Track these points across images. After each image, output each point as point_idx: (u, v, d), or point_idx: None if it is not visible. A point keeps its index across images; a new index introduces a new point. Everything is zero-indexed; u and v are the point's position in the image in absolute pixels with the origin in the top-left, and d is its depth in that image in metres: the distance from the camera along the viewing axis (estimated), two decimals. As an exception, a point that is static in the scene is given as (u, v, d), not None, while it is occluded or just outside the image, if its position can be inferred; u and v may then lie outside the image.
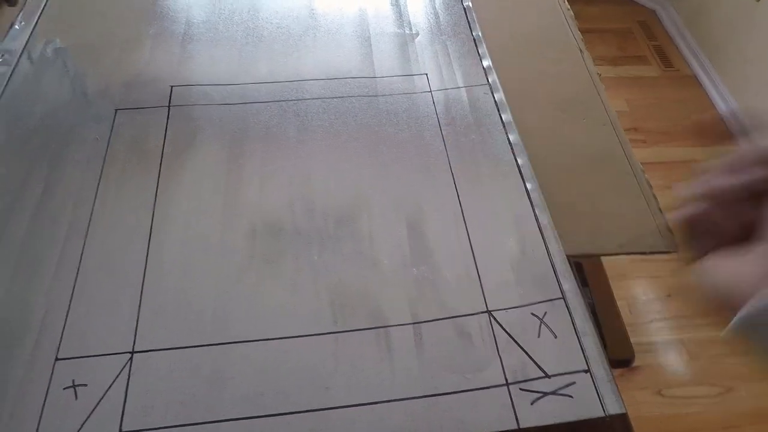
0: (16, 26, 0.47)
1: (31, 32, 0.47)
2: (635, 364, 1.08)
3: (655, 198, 0.41)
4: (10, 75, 0.44)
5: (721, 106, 1.49)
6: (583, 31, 0.52)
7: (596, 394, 0.29)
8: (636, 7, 1.81)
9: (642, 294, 1.18)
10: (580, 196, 0.40)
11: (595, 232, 0.38)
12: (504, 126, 0.43)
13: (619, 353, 0.43)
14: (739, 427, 1.00)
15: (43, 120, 0.42)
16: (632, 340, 0.47)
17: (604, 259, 0.47)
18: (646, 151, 1.38)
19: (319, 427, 0.29)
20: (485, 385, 0.30)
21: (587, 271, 0.45)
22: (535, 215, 0.37)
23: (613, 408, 0.28)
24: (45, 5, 0.50)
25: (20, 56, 0.45)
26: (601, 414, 0.28)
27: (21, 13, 0.49)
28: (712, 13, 1.52)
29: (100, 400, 0.29)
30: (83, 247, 0.35)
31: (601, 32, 1.72)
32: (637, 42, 1.71)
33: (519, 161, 0.40)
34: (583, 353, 0.30)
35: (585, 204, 0.40)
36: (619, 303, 0.48)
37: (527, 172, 0.39)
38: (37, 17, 0.49)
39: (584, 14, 1.64)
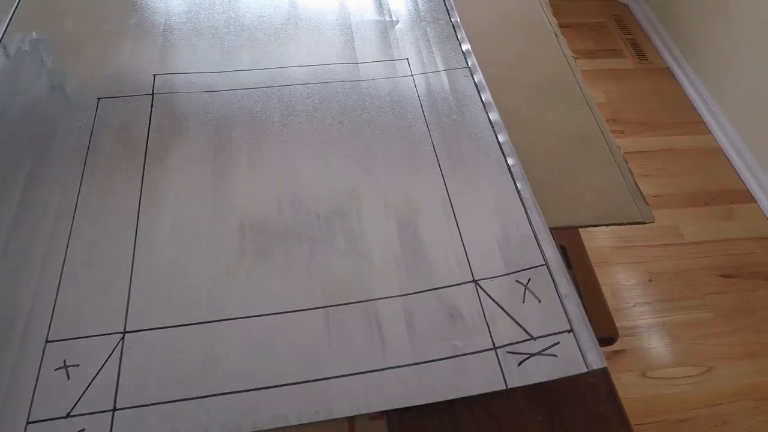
0: (-7, 18, 0.47)
1: (7, 25, 0.47)
2: (620, 347, 1.11)
3: (632, 172, 0.43)
4: (-11, 67, 0.44)
5: (695, 98, 1.54)
6: (560, 26, 0.54)
7: (579, 351, 0.30)
8: (610, 2, 1.86)
9: (624, 280, 1.21)
10: (560, 172, 0.42)
11: (575, 205, 0.40)
12: (484, 106, 0.44)
13: (603, 332, 0.44)
14: (721, 405, 1.03)
15: (24, 112, 0.41)
16: (616, 324, 0.49)
17: (587, 247, 0.48)
18: (625, 140, 1.41)
19: (314, 397, 0.29)
20: (474, 350, 0.31)
21: (571, 255, 0.47)
22: (517, 189, 0.38)
23: (596, 363, 0.29)
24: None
25: (-2, 49, 0.45)
26: (584, 370, 0.29)
27: (-3, 6, 0.48)
28: (682, 6, 1.57)
29: (92, 380, 0.29)
30: (70, 233, 0.35)
31: (577, 27, 1.76)
32: (612, 36, 1.76)
33: (500, 138, 0.41)
34: (566, 314, 0.31)
35: (564, 180, 0.41)
36: (602, 288, 0.49)
37: (508, 148, 0.41)
38: (12, 10, 0.48)
39: (561, 10, 1.67)
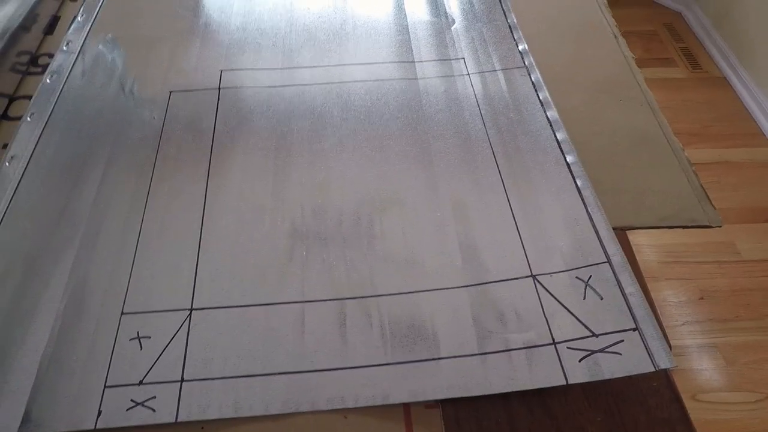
0: (78, 18, 0.51)
1: (91, 25, 0.51)
2: (668, 367, 1.06)
3: (696, 174, 0.41)
4: (74, 62, 0.47)
5: (753, 108, 1.47)
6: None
7: (646, 350, 0.29)
8: (661, 10, 1.80)
9: (673, 296, 1.16)
10: (619, 173, 0.41)
11: (636, 206, 0.39)
12: (542, 104, 0.43)
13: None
14: (780, 435, 0.96)
15: (103, 104, 0.44)
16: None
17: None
18: (676, 152, 1.36)
19: (372, 382, 0.29)
20: (533, 345, 0.30)
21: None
22: (577, 186, 0.37)
23: (664, 362, 0.28)
24: (102, 1, 0.53)
25: (82, 45, 0.49)
26: (651, 369, 0.28)
27: (82, 7, 0.52)
28: (741, 13, 1.50)
29: (162, 351, 0.30)
30: (143, 215, 0.37)
31: (626, 35, 1.71)
32: (663, 44, 1.70)
33: (558, 136, 0.41)
34: (631, 313, 0.30)
35: (624, 180, 0.40)
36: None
37: (567, 146, 0.40)
38: (96, 11, 0.52)
39: (609, 18, 1.63)
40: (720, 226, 0.38)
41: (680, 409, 0.30)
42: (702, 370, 1.03)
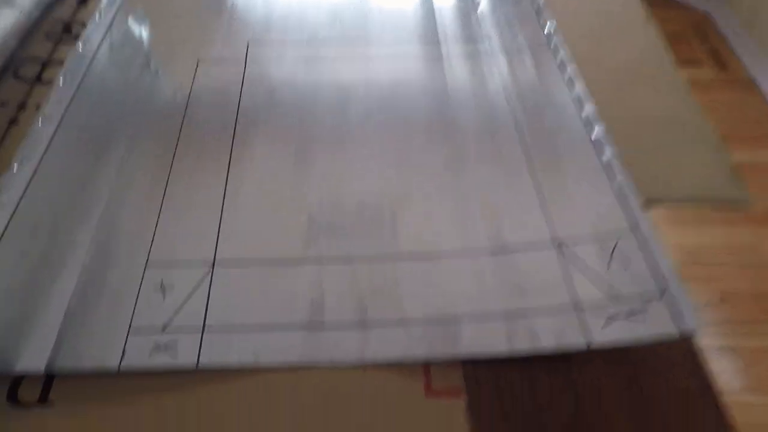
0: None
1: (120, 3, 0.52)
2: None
3: (727, 153, 0.40)
4: (105, 33, 0.48)
5: (782, 111, 1.43)
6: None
7: (670, 316, 0.28)
8: (687, 10, 1.77)
9: (693, 298, 1.13)
10: (649, 150, 0.40)
11: (664, 183, 0.38)
12: (568, 82, 0.43)
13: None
14: (803, 443, 0.93)
15: (132, 72, 0.45)
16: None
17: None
18: (700, 153, 1.33)
19: (391, 340, 0.30)
20: (555, 311, 0.30)
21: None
22: (603, 159, 0.37)
23: (690, 326, 0.28)
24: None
25: (113, 19, 0.50)
26: (676, 334, 0.28)
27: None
28: (772, 14, 1.47)
29: (186, 300, 0.31)
30: (169, 173, 0.38)
31: (651, 35, 1.69)
32: (691, 45, 1.67)
33: (584, 112, 0.40)
34: (656, 279, 0.30)
35: (652, 157, 0.39)
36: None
37: (593, 122, 0.40)
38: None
39: (634, 17, 1.61)
40: (748, 202, 0.37)
41: (703, 379, 0.29)
42: (721, 372, 1.01)
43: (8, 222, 0.34)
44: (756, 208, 1.27)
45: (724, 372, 1.02)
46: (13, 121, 0.42)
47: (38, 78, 0.46)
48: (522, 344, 0.29)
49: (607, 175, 0.36)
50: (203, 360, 0.29)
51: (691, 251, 1.19)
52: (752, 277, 1.15)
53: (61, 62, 0.46)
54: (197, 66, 0.46)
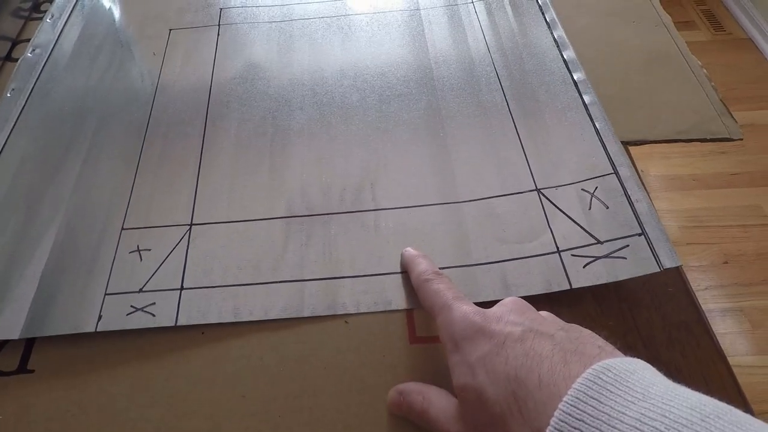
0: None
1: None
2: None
3: (716, 89, 0.39)
4: (73, 5, 0.47)
5: (781, 69, 1.40)
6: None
7: (651, 252, 0.27)
8: (682, -28, 1.73)
9: (695, 261, 1.12)
10: (634, 89, 0.39)
11: (651, 121, 0.37)
12: (548, 25, 0.42)
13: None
14: (811, 400, 0.93)
15: (105, 38, 0.44)
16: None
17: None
18: (697, 116, 1.31)
19: (373, 289, 0.29)
20: (536, 253, 0.29)
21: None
22: (584, 102, 0.36)
23: (669, 262, 0.27)
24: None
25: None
26: (656, 270, 0.27)
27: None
28: (768, -31, 1.43)
29: (162, 262, 0.30)
30: (144, 139, 0.37)
31: (644, -1, 1.65)
32: (684, 7, 1.64)
33: (565, 55, 0.39)
34: (637, 218, 0.29)
35: (639, 96, 0.38)
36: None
37: (574, 65, 0.38)
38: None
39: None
40: (741, 139, 0.36)
41: (696, 311, 0.28)
42: (726, 334, 1.00)
43: (-19, 195, 0.33)
44: (757, 168, 1.25)
45: (730, 333, 1.01)
46: (-16, 99, 0.41)
47: (8, 56, 0.45)
48: (506, 288, 0.28)
49: (590, 117, 0.35)
50: (182, 318, 0.28)
51: (693, 215, 1.18)
52: (756, 237, 1.14)
53: (29, 40, 0.45)
54: (169, 34, 0.45)
